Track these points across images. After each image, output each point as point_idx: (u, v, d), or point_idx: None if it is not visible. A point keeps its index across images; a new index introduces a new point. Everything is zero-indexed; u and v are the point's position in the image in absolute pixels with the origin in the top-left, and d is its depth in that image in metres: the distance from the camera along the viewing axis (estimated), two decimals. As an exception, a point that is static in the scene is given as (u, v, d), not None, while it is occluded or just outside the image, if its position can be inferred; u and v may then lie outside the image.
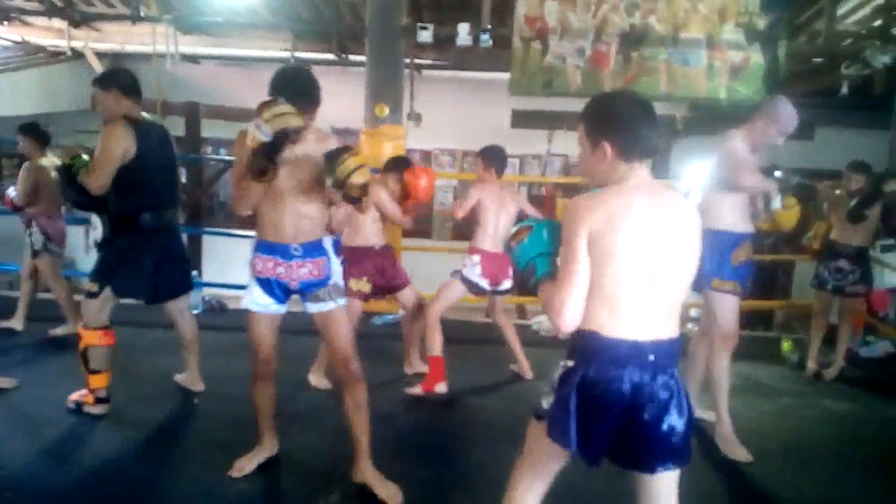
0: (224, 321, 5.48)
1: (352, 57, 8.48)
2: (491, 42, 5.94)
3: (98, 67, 8.42)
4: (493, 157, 4.15)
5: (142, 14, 7.16)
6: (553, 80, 6.05)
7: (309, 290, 2.72)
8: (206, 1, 7.73)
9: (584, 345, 1.76)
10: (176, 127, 8.91)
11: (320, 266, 2.70)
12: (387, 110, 5.80)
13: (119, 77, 3.39)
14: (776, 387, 4.56)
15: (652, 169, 6.60)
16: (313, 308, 2.74)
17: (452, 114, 9.07)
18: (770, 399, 4.32)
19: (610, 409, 1.74)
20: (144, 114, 3.49)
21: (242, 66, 9.54)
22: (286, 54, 8.60)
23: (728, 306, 3.37)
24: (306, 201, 2.64)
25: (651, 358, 1.74)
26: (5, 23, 8.63)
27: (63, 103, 8.61)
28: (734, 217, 3.38)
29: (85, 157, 3.38)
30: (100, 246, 3.55)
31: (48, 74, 8.72)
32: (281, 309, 2.78)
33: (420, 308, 4.17)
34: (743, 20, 5.93)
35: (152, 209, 3.39)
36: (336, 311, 2.74)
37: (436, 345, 3.94)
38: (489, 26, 5.97)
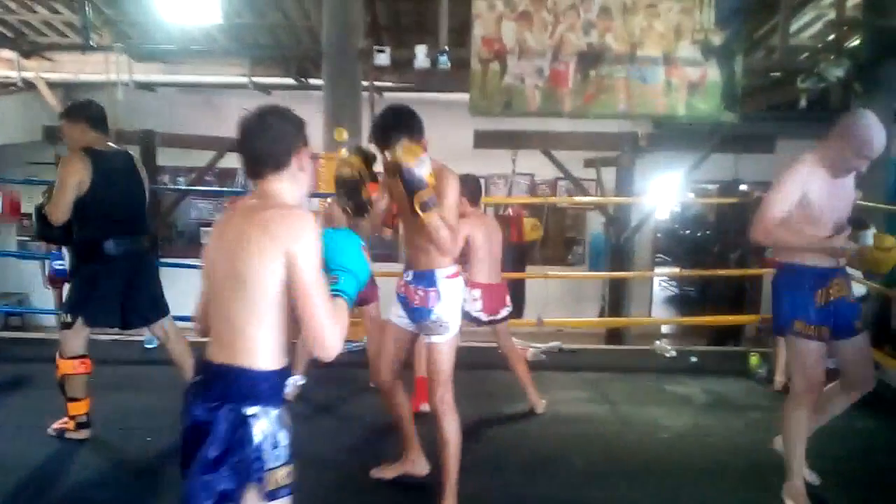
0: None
1: (312, 81, 8.39)
2: (449, 64, 5.90)
3: (50, 98, 8.23)
4: (464, 188, 4.09)
5: (92, 44, 7.01)
6: (513, 101, 6.02)
7: (418, 316, 2.81)
8: (161, 28, 7.60)
9: None
10: (133, 156, 8.77)
11: (425, 297, 2.77)
12: (345, 134, 5.68)
13: (87, 109, 3.45)
14: (744, 401, 4.50)
15: (617, 185, 6.60)
16: (423, 337, 2.87)
17: (415, 136, 8.97)
18: (737, 414, 4.27)
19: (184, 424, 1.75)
20: (111, 144, 3.49)
21: (200, 93, 9.40)
22: (244, 79, 8.49)
23: (812, 353, 2.88)
24: (415, 231, 2.75)
25: (198, 377, 1.75)
26: (-46, 54, 8.44)
27: (15, 135, 8.40)
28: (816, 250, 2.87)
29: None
30: (70, 276, 3.60)
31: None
32: (409, 325, 2.91)
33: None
34: (698, 37, 5.96)
35: (116, 236, 3.41)
36: (432, 346, 2.80)
37: (420, 366, 3.95)
38: (446, 48, 5.93)
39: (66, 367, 3.44)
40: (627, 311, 9.00)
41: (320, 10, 6.20)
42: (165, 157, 8.10)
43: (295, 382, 4.29)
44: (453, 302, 2.79)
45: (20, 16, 7.88)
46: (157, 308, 3.69)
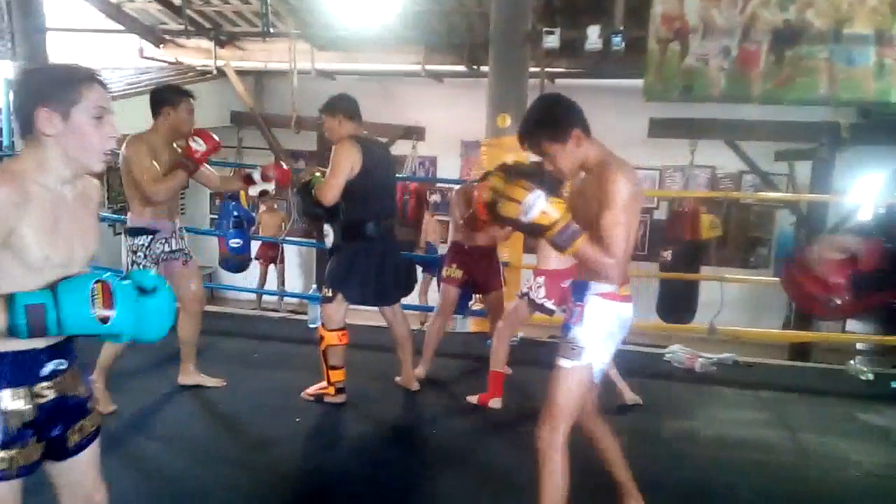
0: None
1: (483, 68, 8.28)
2: (622, 45, 5.49)
3: (238, 85, 8.77)
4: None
5: (271, 30, 7.35)
6: (694, 85, 5.51)
7: (564, 331, 2.38)
8: (341, 18, 7.81)
9: None
10: (310, 142, 9.16)
11: (573, 311, 2.33)
12: (509, 120, 5.49)
13: (343, 103, 3.70)
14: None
15: (812, 181, 5.86)
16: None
17: (586, 124, 8.62)
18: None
19: None
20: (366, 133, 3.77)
21: (377, 81, 9.62)
22: (418, 67, 8.55)
23: None
24: None
25: None
26: (161, 45, 9.23)
27: (209, 119, 9.02)
28: None
29: (318, 174, 3.68)
30: (331, 252, 3.83)
31: (196, 92, 9.20)
32: None
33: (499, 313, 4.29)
34: (923, 10, 5.11)
35: (375, 219, 3.68)
36: (556, 370, 2.31)
37: (500, 360, 3.97)
38: (621, 28, 5.53)
39: (330, 338, 3.73)
40: (816, 323, 8.09)
41: (492, -7, 6.03)
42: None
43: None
44: (599, 326, 2.30)
45: (216, 7, 8.46)
46: (399, 289, 3.96)
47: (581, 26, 6.11)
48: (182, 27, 8.52)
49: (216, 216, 9.70)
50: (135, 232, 3.58)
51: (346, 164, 3.53)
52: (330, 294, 3.73)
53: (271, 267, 9.29)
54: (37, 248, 1.54)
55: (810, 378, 4.88)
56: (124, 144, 3.48)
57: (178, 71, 9.23)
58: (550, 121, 2.29)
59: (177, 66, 9.37)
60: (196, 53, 9.20)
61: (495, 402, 3.93)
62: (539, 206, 2.08)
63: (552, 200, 2.10)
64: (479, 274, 4.35)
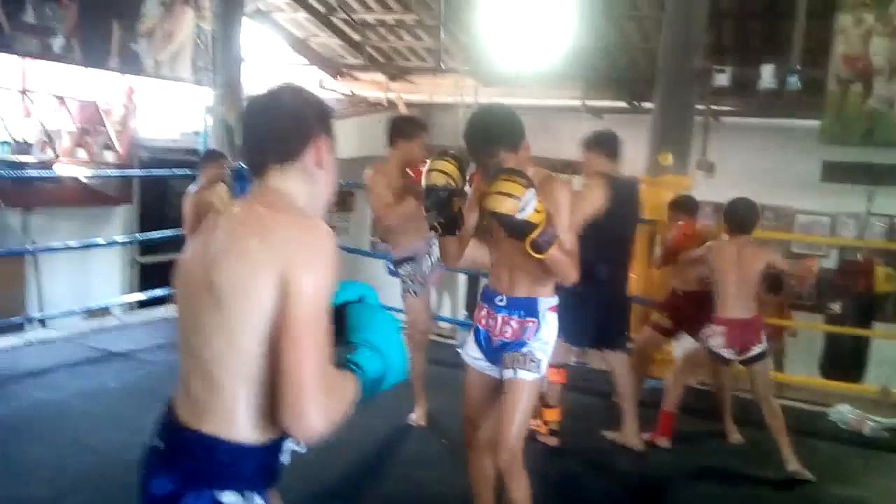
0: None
1: (644, 104, 8.22)
2: (799, 85, 5.28)
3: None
4: (726, 213, 3.78)
5: (442, 66, 7.70)
6: (876, 128, 5.20)
7: (503, 350, 2.41)
8: (507, 55, 8.06)
9: None
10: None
11: (520, 328, 2.39)
12: (671, 158, 5.43)
13: (605, 141, 3.68)
14: None
15: None
16: (504, 373, 2.40)
17: (752, 164, 8.28)
18: None
19: None
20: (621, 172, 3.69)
21: (536, 115, 9.75)
22: (577, 103, 8.61)
23: None
24: (516, 249, 2.26)
25: (160, 442, 1.28)
26: (338, 77, 9.92)
27: (377, 148, 9.55)
28: None
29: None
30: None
31: (367, 122, 9.79)
32: (489, 369, 2.49)
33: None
34: None
35: (607, 261, 3.50)
36: (516, 383, 2.35)
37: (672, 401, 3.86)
38: (798, 67, 5.33)
39: (549, 375, 3.64)
40: None
41: (659, 30, 6.02)
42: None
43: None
44: (550, 339, 2.42)
45: (391, 43, 9.00)
46: (622, 336, 3.85)
47: (751, 64, 5.95)
48: (360, 61, 9.13)
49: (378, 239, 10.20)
50: (398, 263, 3.78)
51: (595, 204, 3.42)
52: None
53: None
54: None
55: None
56: (368, 177, 3.63)
57: (352, 102, 9.86)
58: (510, 129, 2.32)
59: (351, 97, 10.02)
60: (370, 86, 9.79)
61: (663, 441, 3.85)
62: (533, 203, 2.07)
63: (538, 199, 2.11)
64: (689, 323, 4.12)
